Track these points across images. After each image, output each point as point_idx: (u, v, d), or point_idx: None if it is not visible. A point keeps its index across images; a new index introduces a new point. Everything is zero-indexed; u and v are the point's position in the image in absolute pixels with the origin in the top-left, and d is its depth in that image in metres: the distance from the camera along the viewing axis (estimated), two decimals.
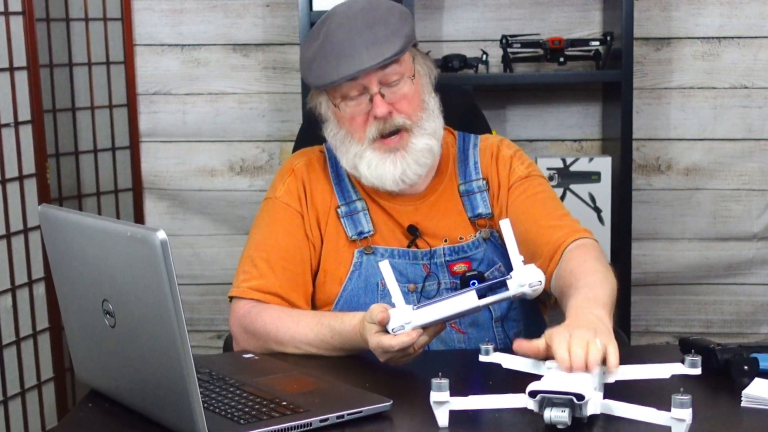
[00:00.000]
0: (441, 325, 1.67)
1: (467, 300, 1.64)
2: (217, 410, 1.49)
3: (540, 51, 2.94)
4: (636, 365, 1.53)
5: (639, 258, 3.10)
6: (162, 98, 3.16)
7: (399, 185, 1.94)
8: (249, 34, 3.13)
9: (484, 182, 2.02)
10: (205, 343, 3.24)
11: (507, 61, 2.94)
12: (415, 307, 1.63)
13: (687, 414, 1.33)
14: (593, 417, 1.43)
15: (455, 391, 1.43)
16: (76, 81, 3.04)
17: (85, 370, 1.65)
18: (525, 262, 1.67)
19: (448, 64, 2.90)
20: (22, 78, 2.72)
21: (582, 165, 2.96)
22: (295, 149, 2.26)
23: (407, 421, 1.50)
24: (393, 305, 1.64)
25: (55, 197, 2.96)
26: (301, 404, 1.49)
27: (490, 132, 2.34)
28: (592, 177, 2.96)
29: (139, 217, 3.19)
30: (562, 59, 2.92)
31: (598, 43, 2.92)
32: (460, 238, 1.98)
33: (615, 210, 2.95)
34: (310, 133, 2.28)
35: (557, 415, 1.40)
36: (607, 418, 1.44)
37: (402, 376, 1.68)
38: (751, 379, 1.57)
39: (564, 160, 2.96)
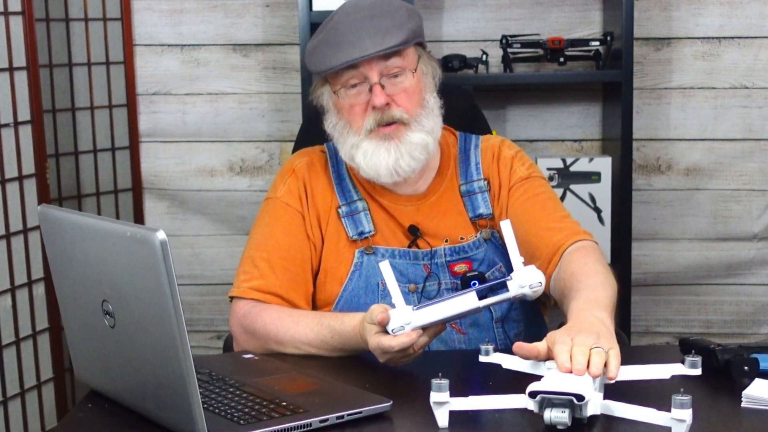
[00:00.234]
0: (441, 325, 1.67)
1: (467, 301, 1.63)
2: (217, 410, 1.49)
3: (540, 51, 2.94)
4: (636, 366, 1.53)
5: (639, 258, 3.10)
6: (162, 98, 3.16)
7: (393, 176, 1.93)
8: (249, 34, 3.13)
9: (485, 183, 2.02)
10: (204, 343, 3.24)
11: (507, 61, 2.93)
12: (415, 307, 1.63)
13: (687, 414, 1.33)
14: (593, 417, 1.43)
15: (455, 392, 1.43)
16: (75, 81, 3.03)
17: (84, 370, 1.65)
18: (525, 263, 1.67)
19: (448, 64, 2.90)
20: (21, 78, 2.72)
21: (582, 165, 2.96)
22: (294, 149, 2.26)
23: (407, 421, 1.50)
24: (393, 306, 1.64)
25: (55, 197, 2.96)
26: (300, 404, 1.49)
27: (490, 132, 2.34)
28: (592, 177, 2.95)
29: (138, 218, 3.19)
30: (562, 59, 2.92)
31: (598, 43, 2.92)
32: (461, 239, 1.98)
33: (615, 210, 2.94)
34: (310, 133, 2.28)
35: (557, 415, 1.40)
36: (607, 419, 1.44)
37: (402, 376, 1.68)
38: (752, 380, 1.57)
39: (564, 161, 2.96)
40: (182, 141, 3.18)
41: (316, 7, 2.84)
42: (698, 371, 1.49)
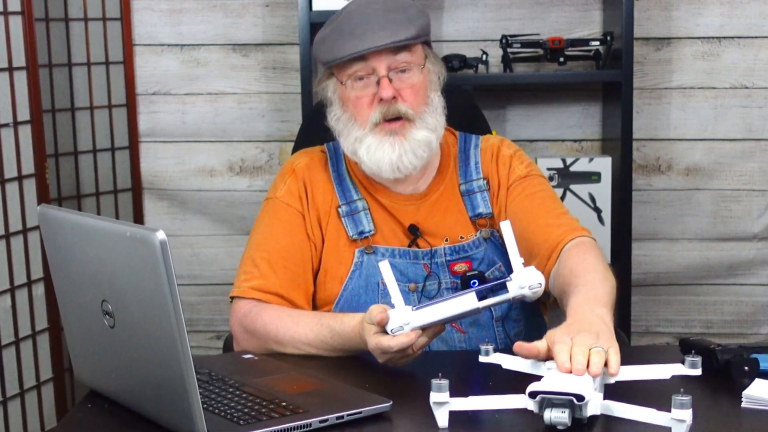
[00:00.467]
0: (440, 326, 1.67)
1: (467, 301, 1.63)
2: (217, 411, 1.48)
3: (540, 51, 2.94)
4: (636, 366, 1.53)
5: (639, 258, 3.10)
6: (161, 98, 3.16)
7: (395, 172, 1.93)
8: (248, 34, 3.12)
9: (485, 182, 2.02)
10: (204, 343, 3.24)
11: (507, 61, 2.93)
12: (414, 308, 1.63)
13: (687, 415, 1.33)
14: (593, 418, 1.43)
15: (455, 392, 1.43)
16: (75, 81, 3.03)
17: (84, 370, 1.65)
18: (525, 263, 1.67)
19: (448, 64, 2.90)
20: (21, 78, 2.72)
21: (582, 165, 2.96)
22: (294, 149, 2.26)
23: (407, 421, 1.50)
24: (392, 306, 1.64)
25: (54, 197, 2.96)
26: (300, 405, 1.49)
27: (490, 132, 2.34)
28: (592, 177, 2.95)
29: (138, 218, 3.18)
30: (562, 59, 2.92)
31: (598, 43, 2.92)
32: (461, 238, 1.98)
33: (615, 210, 2.94)
34: (310, 133, 2.28)
35: (557, 415, 1.39)
36: (607, 419, 1.44)
37: (402, 376, 1.68)
38: (752, 380, 1.57)
39: (564, 161, 2.96)
40: (182, 141, 3.18)
41: (316, 7, 2.84)
42: (698, 371, 1.48)
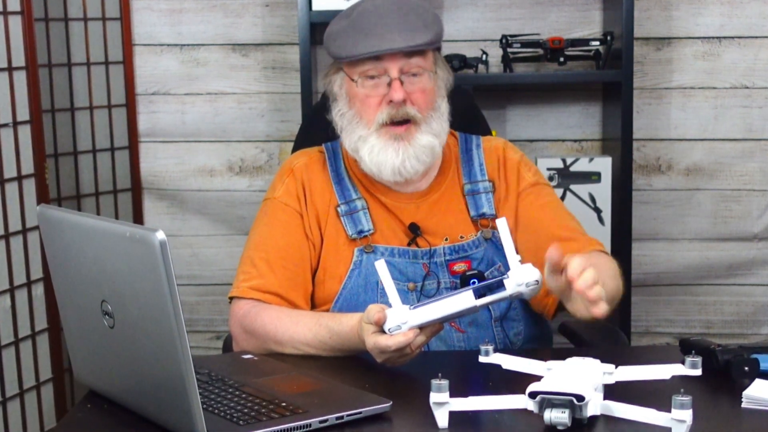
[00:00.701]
0: (439, 325, 1.67)
1: (464, 300, 1.63)
2: (216, 411, 1.48)
3: (540, 51, 2.94)
4: (636, 366, 1.53)
5: (639, 258, 3.10)
6: (161, 98, 3.16)
7: (396, 176, 1.94)
8: (248, 33, 3.12)
9: (491, 184, 2.02)
10: (204, 343, 3.24)
11: (507, 61, 2.93)
12: (411, 307, 1.63)
13: (687, 415, 1.33)
14: (593, 418, 1.43)
15: (455, 392, 1.43)
16: (74, 81, 3.03)
17: (83, 370, 1.65)
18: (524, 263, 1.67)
19: (448, 64, 2.89)
20: (20, 78, 2.72)
21: (582, 165, 2.95)
22: (294, 149, 2.26)
23: (407, 422, 1.50)
24: (390, 305, 1.63)
25: (54, 197, 2.96)
26: (300, 405, 1.49)
27: (490, 132, 2.34)
28: (593, 177, 2.95)
29: (138, 218, 3.18)
30: (562, 59, 2.92)
31: (598, 43, 2.91)
32: (461, 237, 1.98)
33: (615, 210, 2.94)
34: (310, 133, 2.28)
35: (557, 416, 1.39)
36: (607, 419, 1.44)
37: (401, 376, 1.68)
38: (752, 380, 1.56)
39: (564, 161, 2.96)
40: (181, 141, 3.18)
41: (315, 7, 2.84)
42: (698, 372, 1.48)
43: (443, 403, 1.42)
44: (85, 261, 1.49)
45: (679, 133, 3.09)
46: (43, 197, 2.77)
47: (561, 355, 1.59)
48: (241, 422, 1.43)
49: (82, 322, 1.56)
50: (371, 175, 1.98)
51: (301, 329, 1.83)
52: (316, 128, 2.23)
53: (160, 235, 1.31)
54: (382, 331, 1.63)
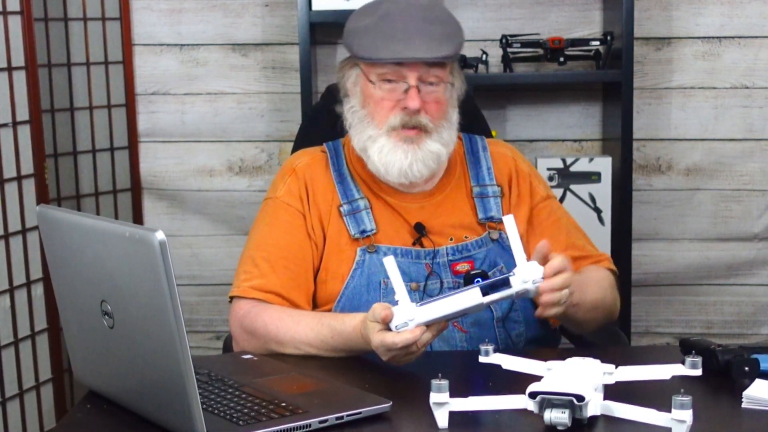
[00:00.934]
0: (444, 323, 1.67)
1: (471, 297, 1.64)
2: (216, 411, 1.48)
3: (540, 51, 2.93)
4: (636, 366, 1.53)
5: (639, 258, 3.09)
6: (161, 98, 3.16)
7: (402, 178, 1.95)
8: (248, 33, 3.12)
9: (499, 189, 2.03)
10: (204, 344, 3.24)
11: (507, 61, 2.93)
12: (418, 304, 1.63)
13: (687, 415, 1.33)
14: (593, 418, 1.43)
15: (455, 392, 1.43)
16: (74, 81, 3.03)
17: (83, 371, 1.65)
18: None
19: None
20: (20, 78, 2.71)
21: (582, 165, 2.95)
22: (294, 149, 2.26)
23: (407, 422, 1.50)
24: (395, 303, 1.64)
25: (54, 197, 2.95)
26: (300, 405, 1.48)
27: (490, 132, 2.34)
28: (593, 177, 2.95)
29: (137, 218, 3.18)
30: (562, 59, 2.91)
31: (598, 42, 2.91)
32: (465, 237, 1.98)
33: (615, 210, 2.94)
34: (310, 133, 2.27)
35: (557, 416, 1.39)
36: (608, 420, 1.43)
37: (402, 377, 1.68)
38: (752, 380, 1.56)
39: (564, 161, 2.95)
40: (181, 141, 3.18)
41: (315, 6, 2.84)
42: (699, 372, 1.48)
43: (443, 403, 1.42)
44: (85, 261, 1.49)
45: (679, 133, 3.09)
46: (42, 197, 2.76)
47: (561, 355, 1.59)
48: (240, 422, 1.43)
49: (82, 322, 1.56)
50: (377, 174, 1.98)
51: (303, 328, 1.83)
52: (316, 128, 2.23)
53: (160, 235, 1.30)
54: (388, 329, 1.63)
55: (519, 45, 2.93)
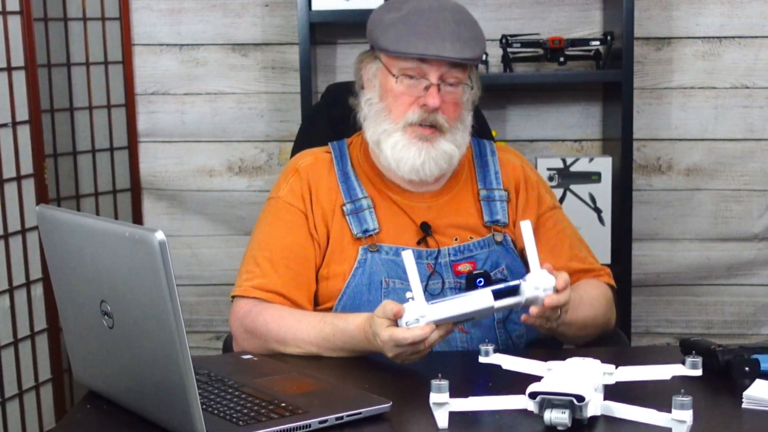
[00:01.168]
0: (450, 326, 1.68)
1: (483, 299, 1.64)
2: (216, 411, 1.48)
3: (540, 51, 2.93)
4: (636, 366, 1.53)
5: (639, 258, 3.09)
6: (160, 98, 3.16)
7: (413, 175, 1.95)
8: (248, 33, 3.12)
9: (506, 194, 2.04)
10: (203, 344, 3.24)
11: (507, 60, 2.93)
12: (430, 302, 1.63)
13: (688, 415, 1.33)
14: (593, 418, 1.43)
15: (455, 393, 1.43)
16: (74, 81, 3.03)
17: (83, 371, 1.65)
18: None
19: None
20: (19, 78, 2.71)
21: (582, 165, 2.95)
22: (294, 149, 2.26)
23: (406, 422, 1.50)
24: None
25: (53, 197, 2.95)
26: (300, 405, 1.48)
27: (490, 132, 2.34)
28: (593, 177, 2.95)
29: (137, 218, 3.18)
30: (562, 59, 2.91)
31: (598, 42, 2.91)
32: (470, 239, 1.98)
33: (615, 210, 2.94)
34: (310, 133, 2.27)
35: (557, 416, 1.39)
36: (608, 420, 1.43)
37: (402, 377, 1.68)
38: (752, 381, 1.56)
39: (564, 161, 2.95)
40: (181, 141, 3.18)
41: (315, 6, 2.84)
42: (699, 372, 1.48)
43: (443, 404, 1.42)
44: (85, 261, 1.48)
45: (680, 133, 3.09)
46: (42, 197, 2.76)
47: (561, 355, 1.59)
48: (240, 423, 1.43)
49: (82, 322, 1.56)
50: (388, 168, 1.98)
51: (305, 327, 1.83)
52: (316, 128, 2.23)
53: (160, 235, 1.30)
54: (396, 326, 1.63)
55: (519, 45, 2.93)
